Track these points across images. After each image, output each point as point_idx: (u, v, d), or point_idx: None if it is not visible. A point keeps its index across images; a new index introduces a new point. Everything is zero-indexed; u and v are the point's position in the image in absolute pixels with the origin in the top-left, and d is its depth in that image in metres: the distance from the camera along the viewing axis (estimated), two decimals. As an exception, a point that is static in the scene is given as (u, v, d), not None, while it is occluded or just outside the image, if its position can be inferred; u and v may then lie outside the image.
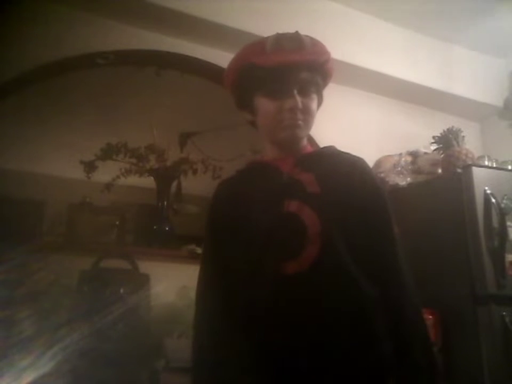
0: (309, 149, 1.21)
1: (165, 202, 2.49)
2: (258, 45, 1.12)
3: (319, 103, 1.20)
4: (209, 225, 1.22)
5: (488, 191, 2.03)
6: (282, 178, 1.11)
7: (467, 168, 2.12)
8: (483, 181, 2.06)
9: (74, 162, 2.49)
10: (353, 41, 2.66)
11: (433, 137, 2.47)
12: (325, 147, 1.24)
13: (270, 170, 1.14)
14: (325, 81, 1.20)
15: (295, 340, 0.98)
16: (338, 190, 1.08)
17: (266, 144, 1.20)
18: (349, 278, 1.01)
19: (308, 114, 1.12)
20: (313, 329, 0.98)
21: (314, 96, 1.14)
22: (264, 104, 1.12)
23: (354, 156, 1.18)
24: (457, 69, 2.97)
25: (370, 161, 2.54)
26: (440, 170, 2.41)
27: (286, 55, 1.09)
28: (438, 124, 2.56)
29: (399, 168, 2.45)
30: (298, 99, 1.09)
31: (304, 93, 1.11)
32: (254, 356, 1.00)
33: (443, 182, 2.30)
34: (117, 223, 2.56)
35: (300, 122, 1.11)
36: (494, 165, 2.39)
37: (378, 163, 2.55)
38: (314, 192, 1.07)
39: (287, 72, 1.09)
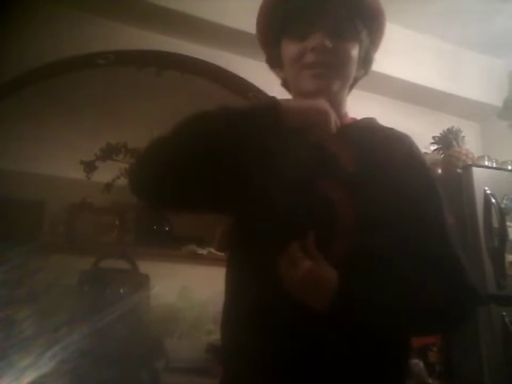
0: (348, 118, 1.00)
1: (165, 202, 2.49)
2: None
3: (365, 62, 0.99)
4: None
5: (488, 191, 2.03)
6: (315, 149, 0.90)
7: (467, 168, 2.12)
8: (483, 181, 2.06)
9: (74, 162, 2.49)
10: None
11: (433, 137, 2.47)
12: (364, 118, 1.02)
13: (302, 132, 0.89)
14: (373, 35, 0.99)
15: (311, 340, 0.81)
16: (380, 170, 0.89)
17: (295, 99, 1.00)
18: (382, 280, 0.83)
19: (340, 60, 0.91)
20: (329, 336, 0.81)
21: (354, 44, 0.93)
22: (288, 48, 0.94)
23: (400, 132, 1.00)
24: (457, 69, 2.97)
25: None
26: (440, 170, 2.41)
27: None
28: (438, 124, 2.56)
29: (399, 168, 2.45)
30: (326, 37, 0.89)
31: (338, 34, 0.91)
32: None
33: (443, 182, 2.29)
34: (117, 223, 2.56)
35: (328, 68, 0.91)
36: (494, 165, 2.39)
37: (378, 163, 2.55)
38: (351, 172, 0.88)
39: (313, 6, 0.91)
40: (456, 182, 2.12)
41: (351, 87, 1.00)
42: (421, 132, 2.72)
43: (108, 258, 2.20)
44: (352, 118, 1.00)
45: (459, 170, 2.16)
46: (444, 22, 2.79)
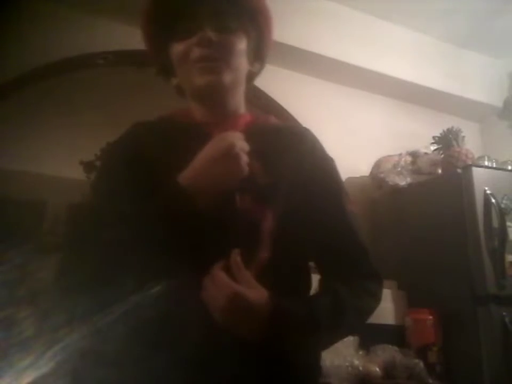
0: (248, 117, 0.97)
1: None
2: None
3: (258, 56, 0.99)
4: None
5: (488, 191, 2.03)
6: None
7: (467, 168, 2.12)
8: (483, 181, 2.06)
9: (74, 162, 2.49)
10: (355, 43, 2.66)
11: (433, 137, 2.47)
12: (261, 116, 1.02)
13: (204, 138, 0.86)
14: (260, 29, 0.98)
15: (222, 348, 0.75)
16: (288, 172, 0.89)
17: (190, 103, 0.99)
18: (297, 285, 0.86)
19: (226, 52, 0.90)
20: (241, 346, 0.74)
21: (240, 36, 0.93)
22: (175, 50, 0.93)
23: (300, 127, 1.01)
24: (457, 69, 2.97)
25: (370, 161, 2.56)
26: (440, 171, 2.41)
27: None
28: (438, 124, 2.56)
29: (399, 169, 2.45)
30: (210, 31, 0.89)
31: (222, 27, 0.91)
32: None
33: (443, 182, 2.30)
34: (117, 223, 2.56)
35: (215, 61, 0.89)
36: (494, 165, 2.39)
37: (379, 163, 2.55)
38: (263, 182, 0.87)
39: (195, 6, 0.92)
40: (456, 182, 2.12)
41: (248, 82, 0.99)
42: (421, 131, 2.74)
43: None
44: (250, 116, 0.98)
45: (459, 170, 2.15)
46: (444, 22, 2.79)
